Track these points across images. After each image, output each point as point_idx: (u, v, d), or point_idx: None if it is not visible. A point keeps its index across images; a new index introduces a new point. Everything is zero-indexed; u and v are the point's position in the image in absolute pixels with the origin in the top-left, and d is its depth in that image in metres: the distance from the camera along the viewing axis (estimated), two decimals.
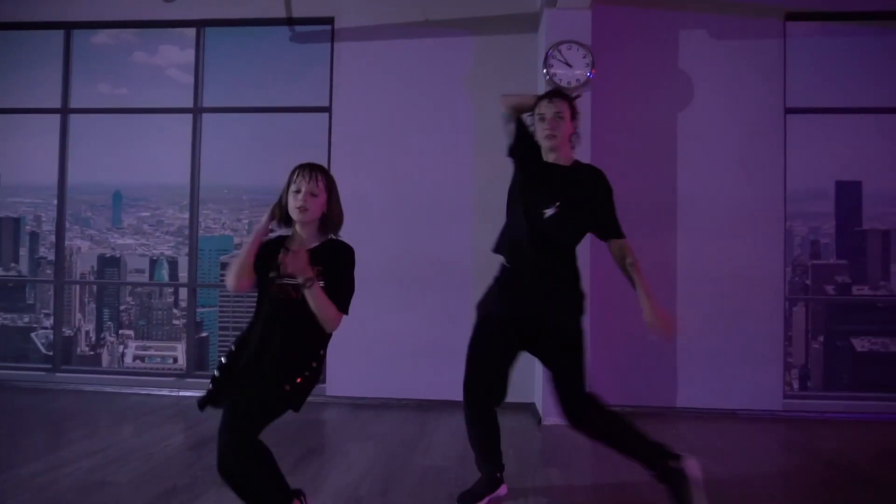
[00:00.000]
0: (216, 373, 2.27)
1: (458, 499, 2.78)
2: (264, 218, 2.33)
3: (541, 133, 2.75)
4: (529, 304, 2.69)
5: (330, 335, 2.30)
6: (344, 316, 2.27)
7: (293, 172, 2.32)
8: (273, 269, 2.25)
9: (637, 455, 2.67)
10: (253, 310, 2.34)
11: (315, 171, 2.29)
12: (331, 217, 2.32)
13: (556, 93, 2.82)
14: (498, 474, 2.84)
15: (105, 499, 2.81)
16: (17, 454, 3.42)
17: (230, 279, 2.28)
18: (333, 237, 2.35)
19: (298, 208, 2.25)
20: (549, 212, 2.66)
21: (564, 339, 2.69)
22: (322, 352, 2.32)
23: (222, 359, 2.28)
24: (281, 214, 2.33)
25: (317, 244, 2.30)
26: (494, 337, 2.75)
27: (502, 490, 2.85)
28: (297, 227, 2.31)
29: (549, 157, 2.77)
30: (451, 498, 2.81)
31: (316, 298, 2.17)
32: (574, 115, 2.77)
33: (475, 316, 2.84)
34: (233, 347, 2.30)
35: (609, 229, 2.75)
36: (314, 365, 2.28)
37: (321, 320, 2.21)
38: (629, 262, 2.69)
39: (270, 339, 2.23)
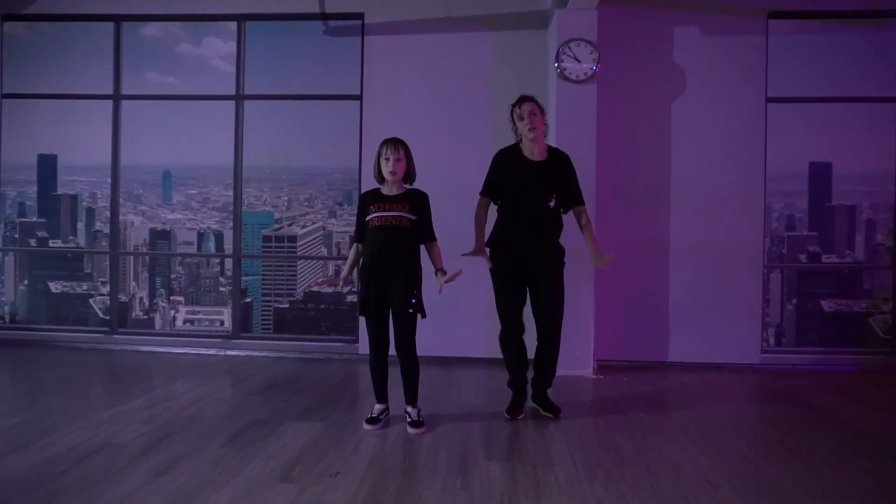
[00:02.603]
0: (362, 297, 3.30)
1: (506, 412, 3.57)
2: None
3: (523, 129, 3.47)
4: (536, 255, 3.50)
5: (419, 255, 3.25)
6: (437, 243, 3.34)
7: (382, 146, 3.22)
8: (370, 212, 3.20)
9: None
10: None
11: (398, 144, 3.20)
12: (409, 173, 3.25)
13: (524, 98, 3.54)
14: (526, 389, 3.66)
15: (204, 427, 3.37)
16: (111, 397, 3.97)
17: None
18: (411, 186, 3.29)
19: (391, 172, 3.15)
20: (551, 204, 3.50)
21: (558, 270, 3.57)
22: (419, 271, 3.25)
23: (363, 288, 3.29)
24: (378, 175, 3.23)
25: (402, 191, 3.24)
26: (515, 289, 3.55)
27: (529, 402, 3.69)
28: (389, 182, 3.21)
29: (531, 152, 3.47)
30: (489, 419, 3.44)
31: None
32: (542, 112, 3.53)
33: (496, 275, 3.57)
34: (364, 276, 3.26)
35: (575, 200, 3.60)
36: (418, 273, 3.24)
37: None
38: (584, 222, 3.63)
39: (385, 262, 3.15)
